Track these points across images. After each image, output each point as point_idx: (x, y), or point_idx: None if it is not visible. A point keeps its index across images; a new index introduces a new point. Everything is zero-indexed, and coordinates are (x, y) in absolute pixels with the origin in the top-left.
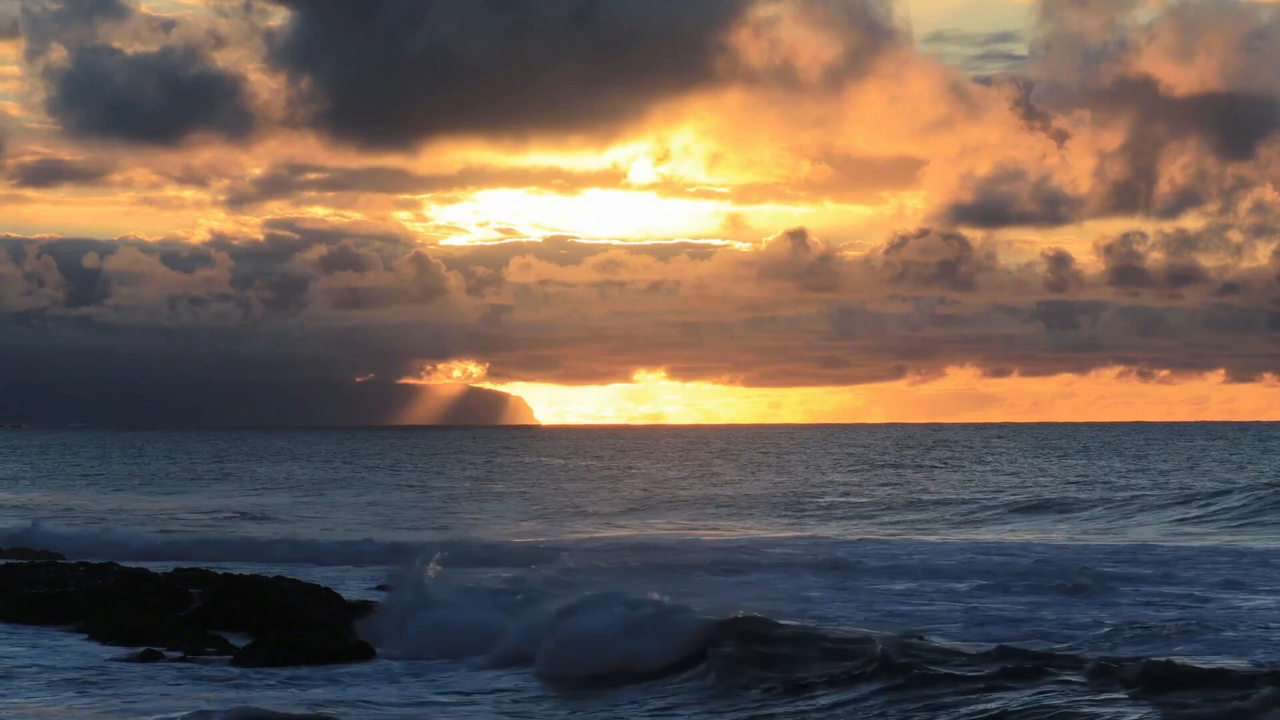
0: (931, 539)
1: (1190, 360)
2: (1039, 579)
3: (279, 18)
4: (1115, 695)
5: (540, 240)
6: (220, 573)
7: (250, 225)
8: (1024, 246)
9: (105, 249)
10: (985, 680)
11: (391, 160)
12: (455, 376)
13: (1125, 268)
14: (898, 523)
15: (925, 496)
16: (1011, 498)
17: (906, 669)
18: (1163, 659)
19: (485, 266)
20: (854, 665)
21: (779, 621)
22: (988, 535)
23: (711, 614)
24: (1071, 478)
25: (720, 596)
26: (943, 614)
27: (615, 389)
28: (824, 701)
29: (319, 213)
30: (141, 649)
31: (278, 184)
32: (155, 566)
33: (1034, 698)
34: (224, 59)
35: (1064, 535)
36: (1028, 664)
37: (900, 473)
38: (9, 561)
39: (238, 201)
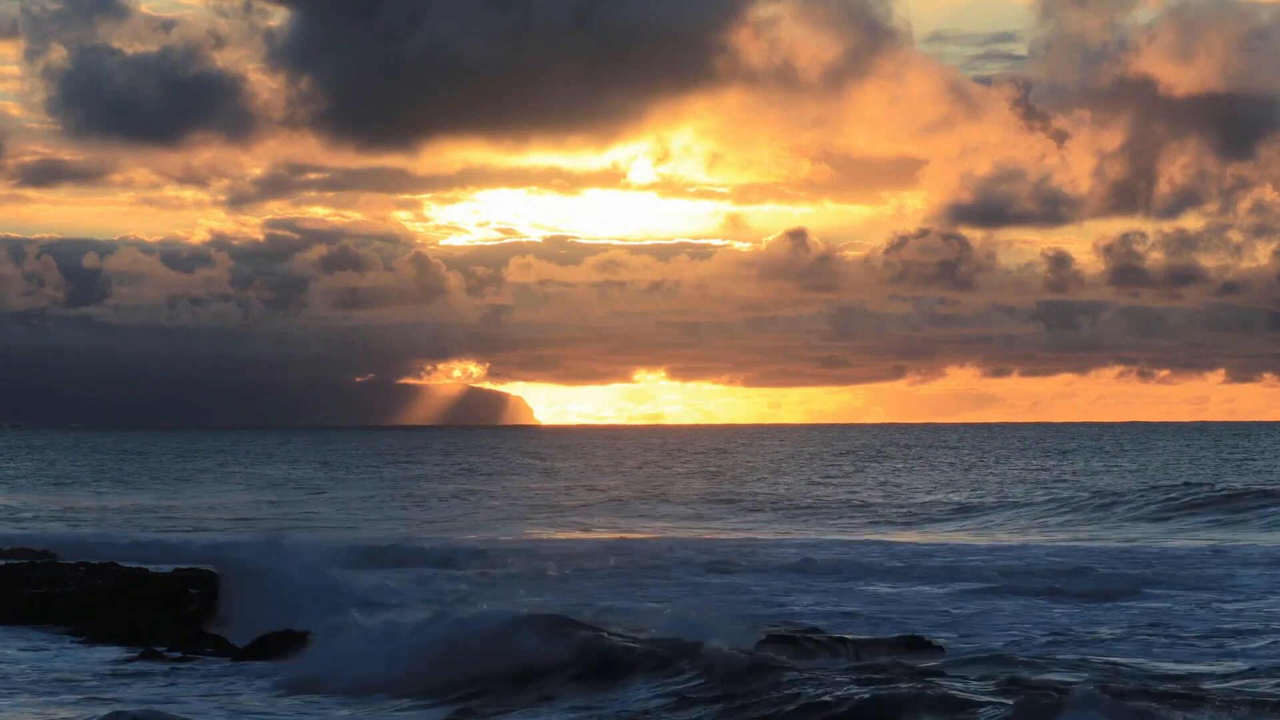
0: (857, 539)
1: (1190, 360)
2: (1021, 580)
3: (279, 18)
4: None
5: (540, 240)
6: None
7: (250, 225)
8: (1024, 246)
9: (105, 249)
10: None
11: (391, 160)
12: (455, 376)
13: (1125, 268)
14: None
15: (873, 499)
16: (978, 498)
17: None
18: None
19: (485, 266)
20: (652, 666)
21: (578, 620)
22: (951, 537)
23: (512, 618)
24: (1043, 479)
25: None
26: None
27: (615, 389)
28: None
29: (319, 213)
30: (141, 649)
31: (278, 184)
32: (155, 566)
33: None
34: (224, 59)
35: (1027, 537)
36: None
37: (865, 474)
38: (9, 562)
39: (238, 201)
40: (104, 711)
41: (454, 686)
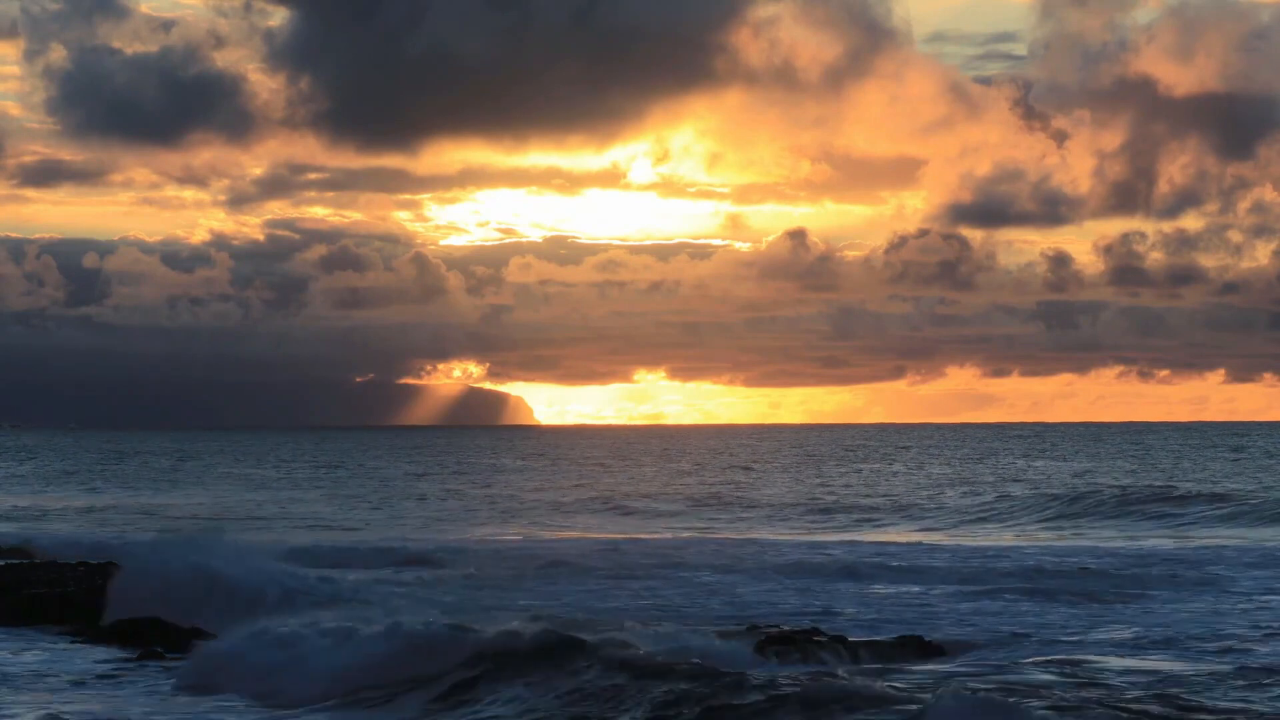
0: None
1: (1190, 360)
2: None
3: (279, 18)
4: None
5: (540, 240)
6: None
7: (250, 225)
8: (1024, 246)
9: (105, 249)
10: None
11: (391, 160)
12: (455, 376)
13: (1125, 268)
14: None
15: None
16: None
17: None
18: None
19: (485, 266)
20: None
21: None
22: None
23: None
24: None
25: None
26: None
27: (615, 389)
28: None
29: (319, 213)
30: (140, 649)
31: (278, 184)
32: None
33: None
34: (224, 59)
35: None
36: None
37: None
38: (9, 562)
39: (238, 201)
40: (105, 712)
41: (357, 690)
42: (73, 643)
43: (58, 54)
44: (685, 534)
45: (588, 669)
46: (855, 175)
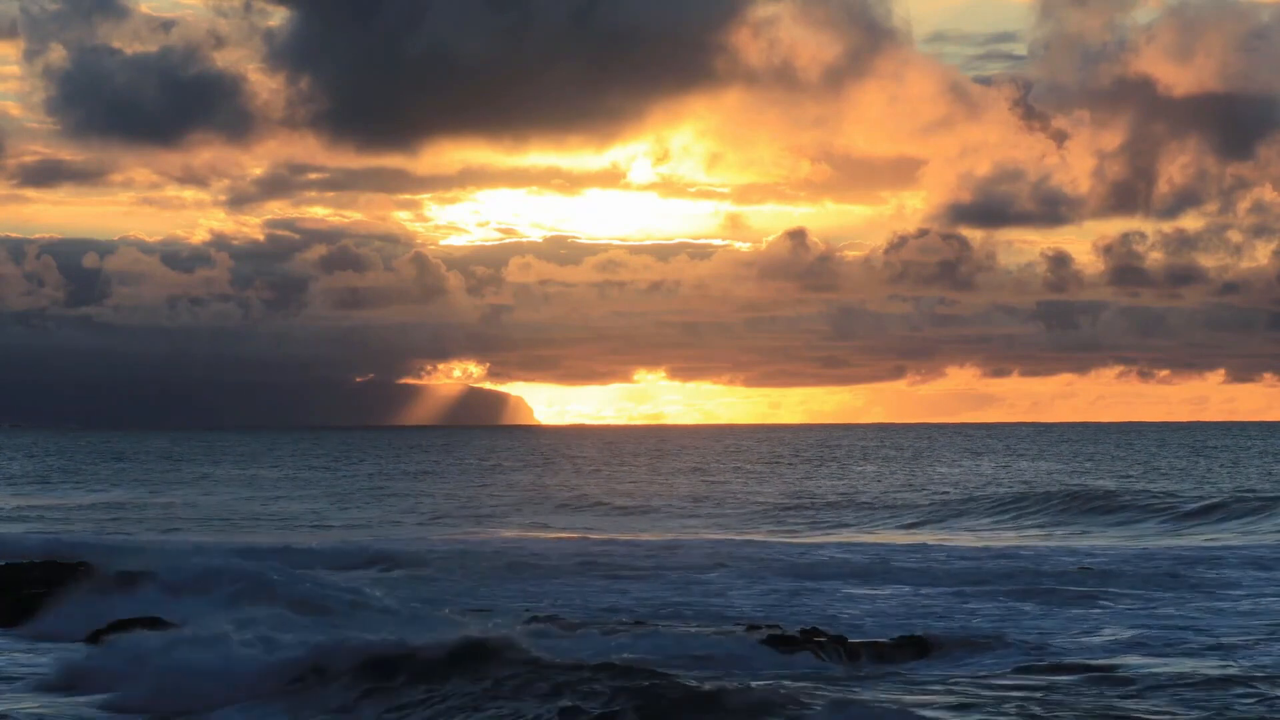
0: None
1: (1190, 360)
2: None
3: (279, 18)
4: None
5: (540, 240)
6: None
7: (250, 225)
8: (1024, 246)
9: (105, 249)
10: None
11: (391, 160)
12: (455, 376)
13: (1125, 268)
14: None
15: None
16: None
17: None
18: None
19: (485, 266)
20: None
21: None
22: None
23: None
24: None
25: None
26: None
27: (615, 389)
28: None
29: (319, 213)
30: None
31: (278, 184)
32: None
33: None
34: (224, 59)
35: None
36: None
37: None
38: (9, 561)
39: (238, 201)
40: (102, 716)
41: (256, 695)
42: (74, 642)
43: (57, 54)
44: (683, 534)
45: (505, 672)
46: (855, 175)
